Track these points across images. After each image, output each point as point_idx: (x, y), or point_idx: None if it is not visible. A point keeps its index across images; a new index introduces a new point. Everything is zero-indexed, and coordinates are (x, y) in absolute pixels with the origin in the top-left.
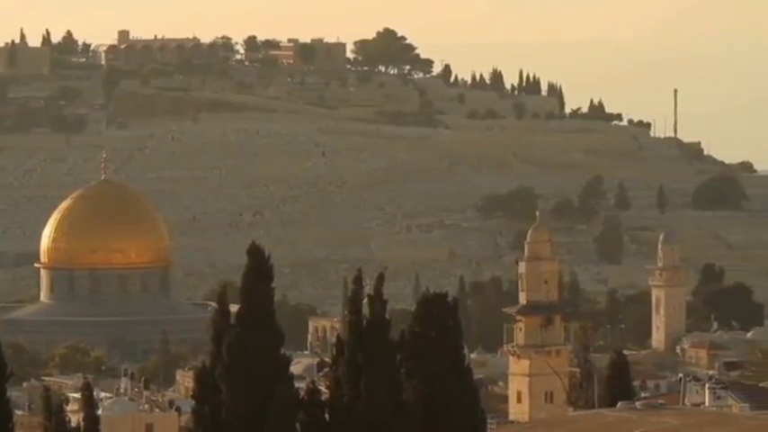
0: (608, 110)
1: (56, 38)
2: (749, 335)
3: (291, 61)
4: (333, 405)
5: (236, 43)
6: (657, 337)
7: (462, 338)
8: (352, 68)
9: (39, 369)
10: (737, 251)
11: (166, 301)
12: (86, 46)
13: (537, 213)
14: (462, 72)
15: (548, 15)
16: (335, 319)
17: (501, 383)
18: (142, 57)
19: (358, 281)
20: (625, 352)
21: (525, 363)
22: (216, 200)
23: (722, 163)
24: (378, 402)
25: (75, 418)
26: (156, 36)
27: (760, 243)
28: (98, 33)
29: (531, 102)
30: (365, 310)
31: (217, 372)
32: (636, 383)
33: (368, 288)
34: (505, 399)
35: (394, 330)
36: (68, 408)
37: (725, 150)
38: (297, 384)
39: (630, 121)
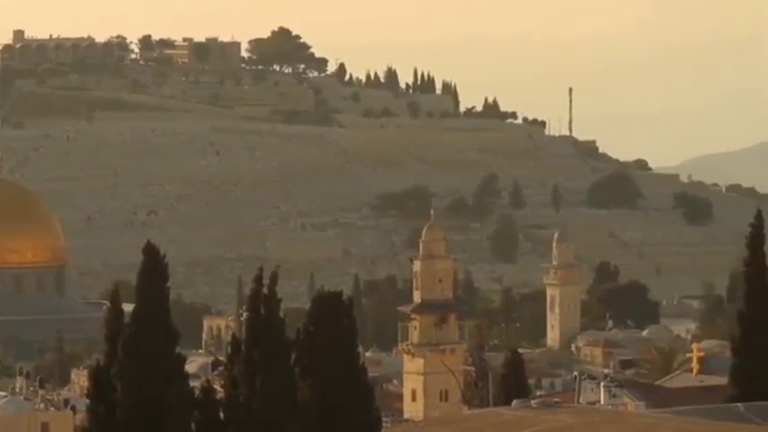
0: (503, 108)
1: None
2: (644, 333)
3: (186, 60)
4: (228, 404)
5: (131, 42)
6: (552, 336)
7: (357, 337)
8: (247, 67)
9: None
10: (632, 249)
11: (61, 301)
12: None
13: (431, 212)
14: (357, 71)
15: (441, 14)
16: (230, 318)
17: (396, 382)
18: (37, 56)
19: (258, 279)
20: (520, 350)
21: (420, 361)
22: (111, 199)
23: (617, 161)
24: (273, 401)
25: None
26: (51, 35)
27: (655, 241)
28: None
29: (425, 100)
30: (262, 308)
31: (112, 371)
32: (531, 382)
33: (265, 287)
34: (400, 397)
35: (289, 329)
36: None
37: (619, 149)
38: (191, 383)
39: (525, 120)
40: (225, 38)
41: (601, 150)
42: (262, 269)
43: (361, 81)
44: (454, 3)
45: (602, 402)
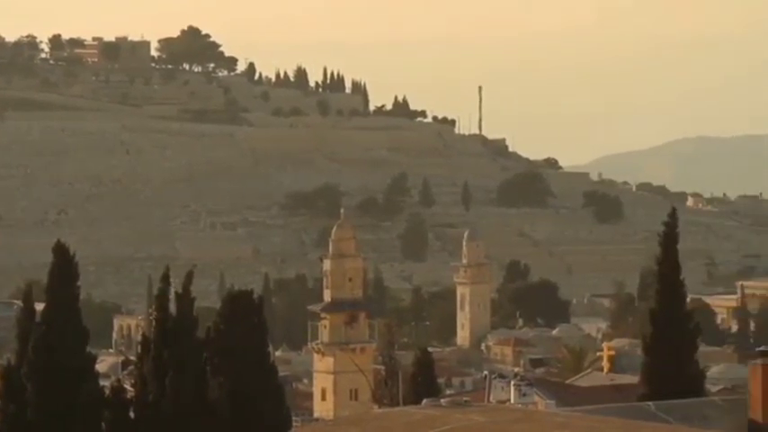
0: (412, 107)
1: None
2: (554, 331)
3: (96, 60)
4: (138, 403)
5: (41, 42)
6: (462, 335)
7: (267, 336)
8: (157, 66)
9: None
10: (543, 248)
11: None
12: None
13: (341, 211)
14: (266, 70)
15: (351, 13)
16: (140, 318)
17: (306, 381)
18: None
19: (165, 278)
20: (430, 349)
21: (330, 360)
22: (22, 198)
23: (527, 160)
24: (183, 400)
25: None
26: None
27: (565, 240)
28: None
29: (335, 99)
30: (171, 307)
31: (22, 370)
32: (441, 381)
33: (174, 286)
34: (310, 396)
35: (200, 328)
36: None
37: (530, 147)
38: (102, 382)
39: (435, 119)
40: (135, 37)
41: (511, 149)
42: (168, 268)
43: (270, 80)
44: (364, 2)
45: (512, 401)
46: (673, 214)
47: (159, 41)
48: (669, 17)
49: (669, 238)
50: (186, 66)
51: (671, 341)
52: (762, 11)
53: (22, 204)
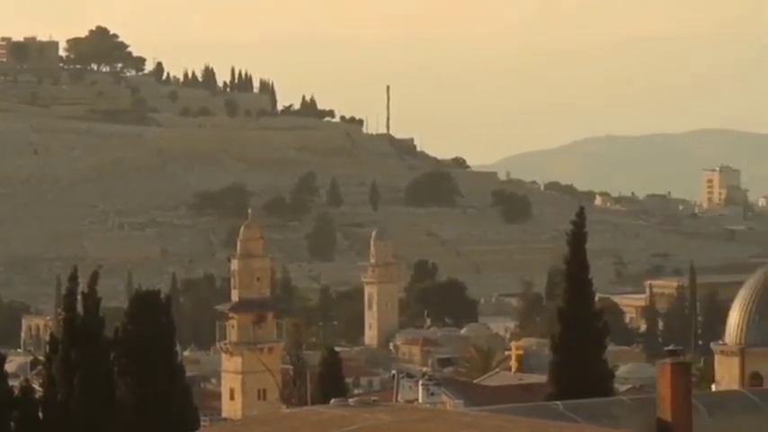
0: (320, 107)
1: None
2: (462, 331)
3: (4, 60)
4: (46, 403)
5: None
6: (370, 334)
7: (175, 336)
8: (65, 67)
9: None
10: (451, 247)
11: None
12: None
13: (249, 211)
14: (174, 70)
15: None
16: (49, 318)
17: (214, 381)
18: None
19: (73, 278)
20: (338, 349)
21: (238, 360)
22: None
23: (435, 159)
24: (91, 400)
25: None
26: None
27: (473, 239)
28: None
29: (243, 99)
30: (79, 307)
31: None
32: (349, 380)
33: (82, 286)
34: (219, 396)
35: (107, 328)
36: None
37: (437, 147)
38: (10, 382)
39: (343, 118)
40: (43, 37)
41: (419, 148)
42: (76, 268)
43: (178, 80)
44: (271, 2)
45: (420, 401)
46: (580, 213)
47: (67, 42)
48: (578, 19)
49: (577, 237)
50: (94, 66)
51: (579, 340)
52: (668, 12)
53: None
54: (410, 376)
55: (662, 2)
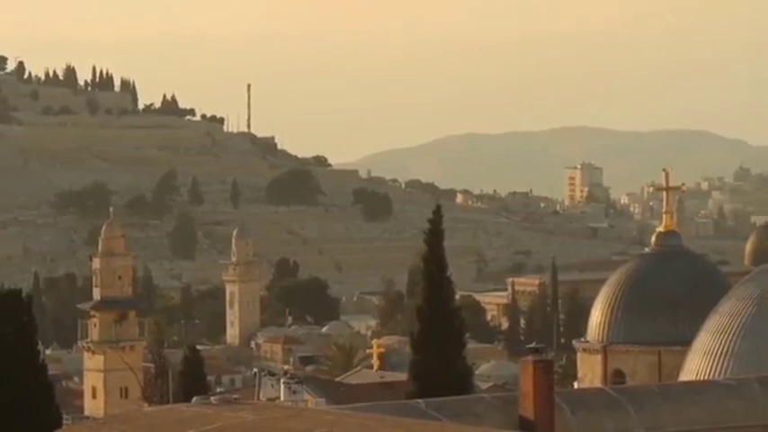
0: (181, 105)
1: None
2: (324, 329)
3: None
4: None
5: None
6: (232, 332)
7: (37, 334)
8: None
9: None
10: (312, 245)
11: None
12: None
13: (110, 209)
14: (36, 69)
15: (120, 12)
16: None
17: (77, 379)
18: None
19: None
20: (199, 347)
21: (100, 358)
22: None
23: (296, 158)
24: None
25: None
26: None
27: (335, 237)
28: None
29: (104, 98)
30: None
31: None
32: (211, 378)
33: None
34: (81, 394)
35: None
36: None
37: (299, 145)
38: None
39: (204, 117)
40: None
41: (280, 147)
42: None
43: (40, 79)
44: (132, 1)
45: (282, 399)
46: (437, 211)
47: None
48: (438, 19)
49: (434, 234)
50: None
51: (438, 338)
52: (527, 12)
53: None
54: (272, 374)
55: (520, 2)
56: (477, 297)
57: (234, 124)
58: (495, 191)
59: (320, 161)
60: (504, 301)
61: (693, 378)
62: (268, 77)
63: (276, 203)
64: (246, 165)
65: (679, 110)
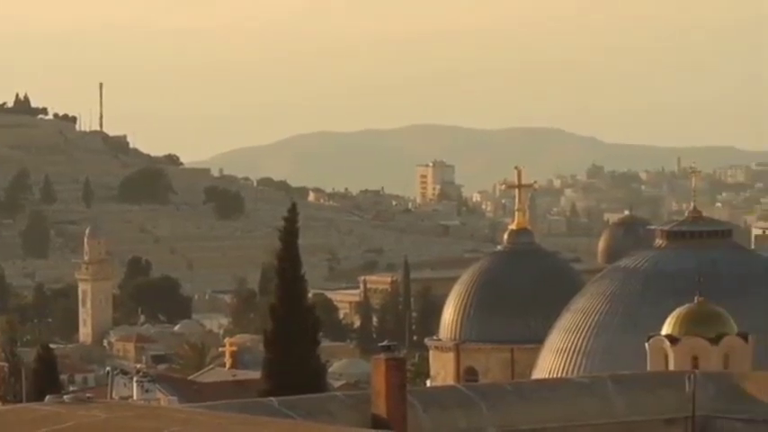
0: (34, 104)
1: None
2: (176, 328)
3: None
4: None
5: None
6: (85, 331)
7: None
8: None
9: None
10: (164, 244)
11: None
12: None
13: None
14: None
15: None
16: None
17: None
18: None
19: None
20: (52, 346)
21: None
22: None
23: (148, 156)
24: None
25: None
26: None
27: (187, 236)
28: None
29: None
30: None
31: None
32: (64, 377)
33: None
34: None
35: None
36: None
37: (151, 144)
38: None
39: (56, 115)
40: None
41: (132, 146)
42: None
43: None
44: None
45: (135, 397)
46: (293, 209)
47: None
48: (288, 16)
49: (289, 233)
50: None
51: (291, 336)
52: (372, 15)
53: None
54: (124, 373)
55: (373, 2)
56: (330, 295)
57: (86, 123)
58: (346, 189)
59: (172, 160)
60: (357, 299)
61: (546, 376)
62: (120, 76)
63: (128, 202)
64: (99, 164)
65: (532, 108)
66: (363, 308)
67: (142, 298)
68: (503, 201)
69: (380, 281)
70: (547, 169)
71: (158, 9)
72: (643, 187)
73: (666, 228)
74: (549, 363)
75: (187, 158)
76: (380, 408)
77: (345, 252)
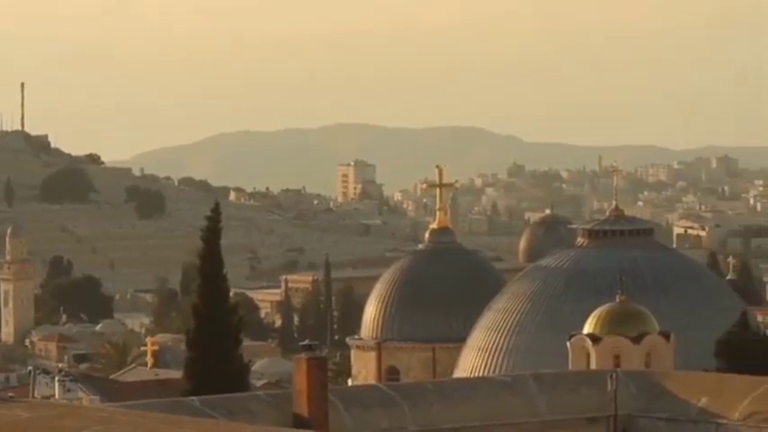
0: None
1: None
2: (98, 327)
3: None
4: None
5: None
6: (6, 330)
7: None
8: None
9: None
10: (86, 243)
11: None
12: None
13: None
14: None
15: None
16: None
17: None
18: None
19: None
20: None
21: None
22: None
23: (69, 155)
24: None
25: None
26: None
27: (108, 235)
28: None
29: None
30: None
31: None
32: None
33: None
34: None
35: None
36: None
37: (72, 143)
38: None
39: None
40: None
41: (53, 145)
42: None
43: None
44: None
45: (57, 397)
46: (216, 209)
47: None
48: (210, 15)
49: (212, 232)
50: None
51: (213, 336)
52: (294, 14)
53: None
54: (46, 372)
55: (295, 1)
56: (251, 294)
57: (8, 122)
58: (267, 188)
59: (93, 159)
60: (278, 298)
61: (468, 375)
62: (41, 75)
63: (50, 202)
64: (20, 163)
65: (452, 107)
66: (284, 307)
67: (64, 297)
68: (424, 200)
69: (302, 280)
70: (468, 168)
71: (78, 7)
72: (564, 186)
73: (588, 227)
74: (470, 362)
75: (108, 158)
76: (302, 407)
77: (266, 251)
